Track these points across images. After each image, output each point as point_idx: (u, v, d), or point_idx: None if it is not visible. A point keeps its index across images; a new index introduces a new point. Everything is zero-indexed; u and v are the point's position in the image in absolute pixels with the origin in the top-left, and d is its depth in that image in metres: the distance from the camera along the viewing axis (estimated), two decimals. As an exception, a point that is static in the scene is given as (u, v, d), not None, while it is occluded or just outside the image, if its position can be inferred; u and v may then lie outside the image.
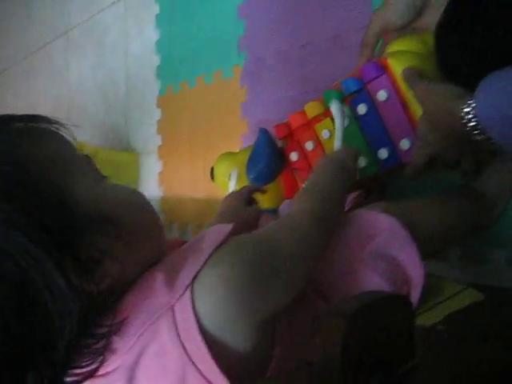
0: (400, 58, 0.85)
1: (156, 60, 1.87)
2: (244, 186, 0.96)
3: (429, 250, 0.76)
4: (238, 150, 1.15)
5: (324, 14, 1.23)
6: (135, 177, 2.00)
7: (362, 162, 0.90)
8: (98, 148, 2.00)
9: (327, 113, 0.93)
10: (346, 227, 0.79)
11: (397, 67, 0.85)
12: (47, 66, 2.75)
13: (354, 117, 0.90)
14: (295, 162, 1.02)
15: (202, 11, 1.66)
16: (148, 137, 1.92)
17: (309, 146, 0.98)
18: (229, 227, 0.56)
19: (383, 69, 0.86)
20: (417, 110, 0.82)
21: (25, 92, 3.02)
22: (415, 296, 0.69)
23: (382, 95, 0.86)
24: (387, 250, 0.73)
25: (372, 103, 0.88)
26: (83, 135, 2.36)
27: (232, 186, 1.05)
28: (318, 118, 0.96)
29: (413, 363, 0.44)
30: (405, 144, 0.86)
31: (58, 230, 0.46)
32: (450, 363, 0.48)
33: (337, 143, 0.87)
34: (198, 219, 1.70)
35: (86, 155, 0.59)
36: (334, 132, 0.90)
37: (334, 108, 0.87)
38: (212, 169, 1.11)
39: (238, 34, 1.49)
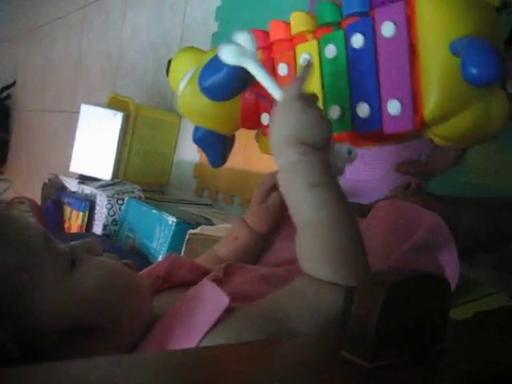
0: None
1: (213, 26, 1.88)
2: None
3: (463, 250, 0.76)
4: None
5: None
6: (174, 138, 2.02)
7: (336, 112, 0.69)
8: (141, 105, 2.02)
9: (317, 33, 0.72)
10: (386, 217, 0.78)
11: None
12: (102, 19, 2.77)
13: (345, 47, 0.68)
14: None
15: (267, -16, 1.64)
16: (193, 101, 1.93)
17: (282, 69, 0.76)
18: (225, 302, 0.51)
19: None
20: (429, 69, 0.61)
21: (76, 41, 3.06)
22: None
23: (387, 28, 0.63)
24: (427, 245, 0.73)
25: (373, 37, 0.65)
26: (128, 90, 2.40)
27: (181, 88, 0.83)
28: (302, 37, 0.74)
29: (441, 347, 0.44)
30: (393, 107, 0.64)
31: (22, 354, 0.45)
32: (475, 357, 0.48)
33: (274, 92, 0.65)
34: (230, 190, 1.70)
35: (44, 236, 0.52)
36: (315, 59, 0.71)
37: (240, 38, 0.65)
38: (169, 61, 0.89)
39: (301, 10, 1.47)
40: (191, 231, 1.27)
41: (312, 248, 0.56)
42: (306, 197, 0.57)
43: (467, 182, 0.96)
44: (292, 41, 0.75)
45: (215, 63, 0.76)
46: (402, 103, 0.63)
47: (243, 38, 0.66)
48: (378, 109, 0.65)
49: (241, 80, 0.76)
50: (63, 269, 0.51)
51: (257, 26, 1.62)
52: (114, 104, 2.02)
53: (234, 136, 0.88)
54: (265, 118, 0.79)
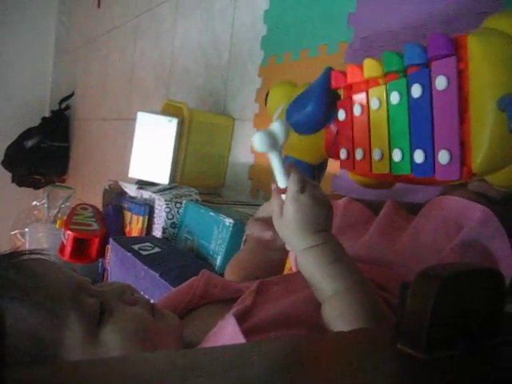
0: (488, 39, 0.64)
1: (262, 30, 1.90)
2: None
3: None
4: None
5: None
6: (228, 141, 2.06)
7: (397, 155, 0.75)
8: (195, 109, 2.06)
9: (386, 78, 0.77)
10: (435, 213, 0.79)
11: (476, 51, 0.64)
12: (155, 27, 2.84)
13: (407, 95, 0.73)
14: (341, 121, 0.85)
15: (314, -16, 1.66)
16: (245, 104, 1.96)
17: (357, 109, 0.81)
18: (239, 335, 0.54)
19: (456, 47, 0.66)
20: (478, 123, 0.64)
21: (130, 50, 3.14)
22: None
23: (440, 82, 0.67)
24: (477, 239, 0.73)
25: (430, 88, 0.69)
26: (182, 96, 2.45)
27: (274, 118, 0.92)
28: (375, 81, 0.79)
29: (497, 341, 0.45)
30: (443, 157, 0.67)
31: None
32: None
33: (280, 183, 0.67)
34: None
35: (73, 290, 0.55)
36: (383, 103, 0.76)
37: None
38: (267, 93, 1.00)
39: (348, 11, 1.48)
40: (249, 232, 1.29)
41: (341, 314, 0.59)
42: (329, 273, 0.61)
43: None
44: (368, 83, 0.80)
45: (301, 101, 0.85)
46: (450, 154, 0.66)
47: (276, 128, 0.67)
48: (431, 157, 0.69)
49: (323, 117, 0.85)
50: (90, 325, 0.54)
51: (305, 27, 1.65)
52: (169, 110, 2.07)
53: (326, 162, 0.94)
54: (343, 153, 0.85)
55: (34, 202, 3.20)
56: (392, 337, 0.44)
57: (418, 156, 0.71)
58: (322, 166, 0.95)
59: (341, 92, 0.88)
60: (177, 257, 1.45)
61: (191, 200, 1.74)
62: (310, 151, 0.91)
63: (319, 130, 0.87)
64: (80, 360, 0.43)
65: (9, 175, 4.03)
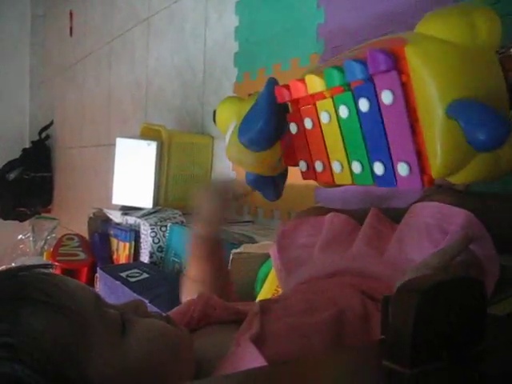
0: (424, 47, 0.64)
1: (234, 47, 1.90)
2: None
3: (503, 241, 0.75)
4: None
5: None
6: (208, 159, 2.05)
7: (357, 167, 0.75)
8: (173, 131, 2.06)
9: (331, 91, 0.76)
10: (417, 220, 0.79)
11: (415, 61, 0.64)
12: (128, 51, 2.84)
13: (356, 108, 0.72)
14: (294, 135, 0.86)
15: (281, -1, 1.67)
16: (223, 122, 1.96)
17: (307, 123, 0.81)
18: (261, 361, 0.52)
19: (395, 60, 0.65)
20: (430, 132, 0.64)
21: (106, 76, 3.14)
22: (489, 288, 0.69)
23: (386, 97, 0.66)
24: None
25: (376, 102, 0.69)
26: (159, 117, 2.44)
27: (227, 139, 0.94)
28: (320, 94, 0.78)
29: (482, 347, 0.45)
30: (402, 169, 0.68)
31: None
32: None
33: None
34: (270, 205, 1.72)
35: (95, 301, 0.55)
36: (333, 117, 0.76)
37: None
38: (214, 111, 1.00)
39: (317, 22, 1.49)
40: (234, 251, 1.29)
41: None
42: None
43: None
44: (314, 96, 0.79)
45: (250, 119, 0.86)
46: (409, 165, 0.67)
47: None
48: (391, 168, 0.70)
49: (275, 132, 0.86)
50: (115, 335, 0.53)
51: (275, 42, 1.66)
52: (147, 133, 2.07)
53: (286, 170, 0.95)
54: (302, 165, 0.87)
55: (20, 236, 3.17)
56: (377, 353, 0.44)
57: (378, 168, 0.71)
58: (283, 174, 0.97)
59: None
60: (165, 281, 1.44)
61: (176, 222, 1.74)
62: (266, 166, 0.92)
63: (273, 144, 0.87)
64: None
65: (-7, 210, 4.00)
